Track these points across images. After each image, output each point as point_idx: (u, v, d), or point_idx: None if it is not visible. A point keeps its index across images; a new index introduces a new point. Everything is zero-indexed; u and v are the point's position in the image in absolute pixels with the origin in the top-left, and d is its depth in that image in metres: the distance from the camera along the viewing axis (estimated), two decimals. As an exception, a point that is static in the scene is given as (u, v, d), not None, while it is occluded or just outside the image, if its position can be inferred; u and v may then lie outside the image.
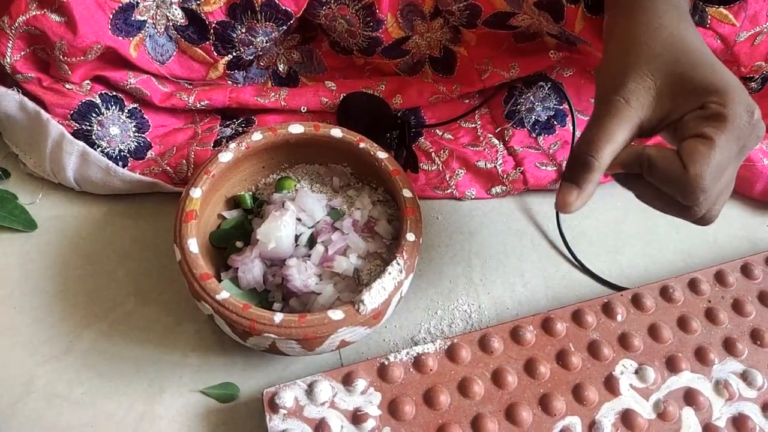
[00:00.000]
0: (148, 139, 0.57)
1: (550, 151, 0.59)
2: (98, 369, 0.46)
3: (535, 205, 0.59)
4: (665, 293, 0.51)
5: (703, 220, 0.37)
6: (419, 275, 0.53)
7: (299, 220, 0.49)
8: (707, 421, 0.44)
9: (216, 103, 0.59)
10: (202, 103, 0.58)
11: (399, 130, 0.59)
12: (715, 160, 0.33)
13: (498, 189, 0.58)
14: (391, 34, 0.59)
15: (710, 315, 0.50)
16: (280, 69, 0.63)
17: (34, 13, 0.49)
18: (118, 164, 0.54)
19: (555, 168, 0.58)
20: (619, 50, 0.40)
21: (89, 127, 0.54)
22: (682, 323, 0.49)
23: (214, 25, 0.55)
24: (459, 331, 0.50)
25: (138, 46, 0.54)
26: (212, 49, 0.57)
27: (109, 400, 0.45)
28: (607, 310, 0.49)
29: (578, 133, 0.60)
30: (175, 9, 0.54)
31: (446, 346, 0.46)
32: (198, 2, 0.54)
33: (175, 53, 0.57)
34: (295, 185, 0.53)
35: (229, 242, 0.50)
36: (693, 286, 0.51)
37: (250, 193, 0.53)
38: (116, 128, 0.55)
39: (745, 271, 0.53)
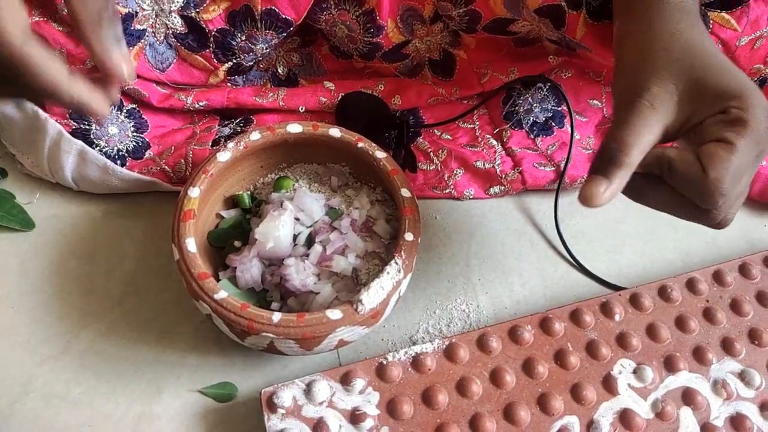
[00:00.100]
0: (147, 139, 0.57)
1: (548, 152, 0.59)
2: (96, 369, 0.46)
3: (534, 205, 0.59)
4: (663, 293, 0.51)
5: (719, 224, 0.37)
6: (418, 275, 0.53)
7: (297, 219, 0.49)
8: (705, 421, 0.44)
9: (214, 104, 0.59)
10: (201, 104, 0.58)
11: (397, 129, 0.59)
12: (734, 164, 0.33)
13: (496, 189, 0.58)
14: (391, 39, 0.59)
15: (708, 315, 0.50)
16: (280, 71, 0.63)
17: (36, 19, 0.50)
18: (116, 163, 0.54)
19: (553, 168, 0.58)
20: (638, 56, 0.40)
21: (87, 126, 0.54)
22: (680, 323, 0.49)
23: (213, 33, 0.55)
24: (457, 331, 0.50)
25: (138, 56, 0.54)
26: (212, 56, 0.56)
27: (107, 400, 0.45)
28: (606, 309, 0.49)
29: (576, 134, 0.60)
30: (175, 17, 0.54)
31: (444, 346, 0.46)
32: (197, 10, 0.54)
33: (175, 61, 0.57)
34: (294, 185, 0.53)
35: (228, 242, 0.49)
36: (691, 285, 0.52)
37: (249, 192, 0.53)
38: (115, 128, 0.55)
39: (743, 270, 0.53)
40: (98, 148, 0.54)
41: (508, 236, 0.57)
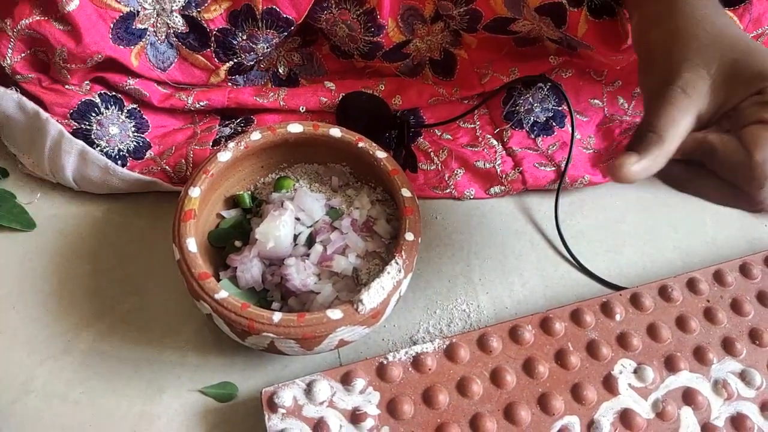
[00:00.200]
0: (147, 140, 0.57)
1: (549, 152, 0.59)
2: (97, 368, 0.46)
3: (534, 205, 0.59)
4: (664, 293, 0.51)
5: (763, 208, 0.37)
6: (418, 275, 0.53)
7: (298, 219, 0.49)
8: (706, 421, 0.44)
9: (215, 104, 0.59)
10: (201, 104, 0.58)
11: (398, 129, 0.59)
12: None
13: (497, 189, 0.58)
14: (391, 38, 0.59)
15: (709, 315, 0.50)
16: (280, 71, 0.63)
17: (37, 18, 0.49)
18: (117, 163, 0.54)
19: (554, 168, 0.58)
20: (665, 45, 0.39)
21: (88, 127, 0.54)
22: (681, 323, 0.49)
23: (214, 32, 0.55)
24: (458, 331, 0.50)
25: (139, 55, 0.54)
26: (213, 56, 0.56)
27: (108, 400, 0.45)
28: (606, 309, 0.49)
29: (577, 134, 0.60)
30: (176, 16, 0.54)
31: (445, 346, 0.46)
32: (198, 9, 0.54)
33: (176, 60, 0.57)
34: (294, 185, 0.53)
35: (228, 241, 0.50)
36: (692, 285, 0.51)
37: (249, 192, 0.53)
38: (115, 128, 0.55)
39: (744, 270, 0.53)
40: (99, 148, 0.54)
41: (509, 236, 0.57)
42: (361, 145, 0.50)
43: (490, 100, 0.63)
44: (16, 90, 0.53)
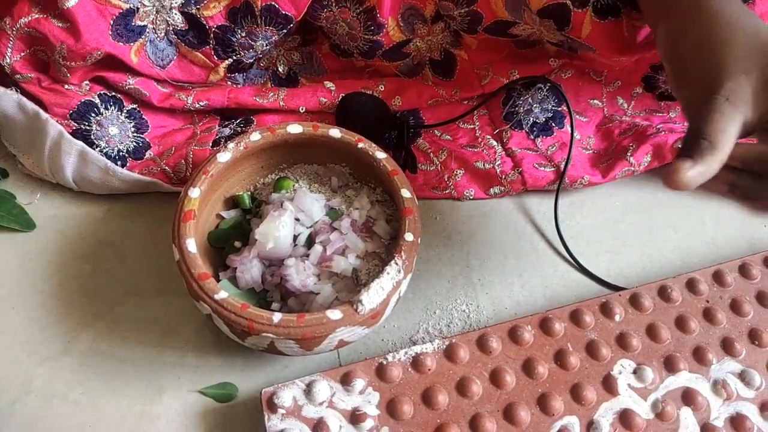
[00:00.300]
0: (147, 140, 0.57)
1: (548, 152, 0.59)
2: (97, 369, 0.46)
3: (534, 205, 0.59)
4: (663, 293, 0.51)
5: None
6: (418, 275, 0.53)
7: (298, 220, 0.49)
8: (705, 421, 0.44)
9: (215, 104, 0.59)
10: (201, 104, 0.58)
11: (398, 130, 0.59)
12: None
13: (496, 189, 0.58)
14: (392, 37, 0.59)
15: (708, 315, 0.50)
16: (280, 70, 0.63)
17: (36, 16, 0.49)
18: (116, 164, 0.54)
19: (553, 169, 0.58)
20: (700, 54, 0.39)
21: (88, 127, 0.54)
22: (680, 323, 0.49)
23: (214, 29, 0.55)
24: (457, 331, 0.50)
25: (138, 52, 0.54)
26: (212, 53, 0.57)
27: (108, 400, 0.45)
28: (606, 310, 0.49)
29: (577, 134, 0.60)
30: (175, 13, 0.54)
31: (444, 346, 0.46)
32: (198, 6, 0.54)
33: (175, 58, 0.57)
34: (294, 185, 0.53)
35: (228, 242, 0.50)
36: (691, 286, 0.52)
37: (249, 193, 0.53)
38: (115, 128, 0.56)
39: (743, 271, 0.53)
40: (99, 148, 0.54)
41: (508, 237, 0.57)
42: (360, 145, 0.50)
43: (489, 100, 0.63)
44: (16, 90, 0.53)
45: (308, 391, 0.43)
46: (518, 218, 0.58)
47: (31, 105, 0.52)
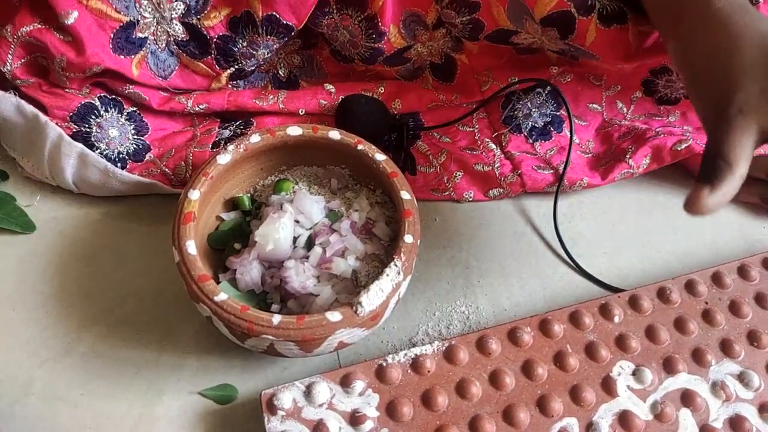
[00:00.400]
0: (147, 142, 0.57)
1: (547, 156, 0.59)
2: (97, 371, 0.46)
3: (533, 207, 0.59)
4: (662, 295, 0.51)
5: None
6: (417, 277, 0.53)
7: (297, 221, 0.49)
8: (704, 423, 0.44)
9: (214, 107, 0.59)
10: (201, 107, 0.58)
11: (397, 132, 0.60)
12: None
13: (496, 191, 0.58)
14: (393, 44, 0.59)
15: (707, 316, 0.50)
16: (281, 73, 0.64)
17: (37, 26, 0.50)
18: (116, 166, 0.54)
19: (552, 171, 0.58)
20: (709, 66, 0.39)
21: (88, 129, 0.54)
22: (679, 324, 0.49)
23: (215, 39, 0.55)
24: (457, 333, 0.50)
25: (140, 64, 0.54)
26: (214, 63, 0.57)
27: (108, 402, 0.45)
28: (605, 311, 0.49)
29: (576, 138, 0.60)
30: (176, 24, 0.54)
31: (444, 348, 0.46)
32: (198, 17, 0.54)
33: (177, 68, 0.57)
34: (293, 187, 0.53)
35: (228, 244, 0.50)
36: (690, 287, 0.52)
37: (249, 195, 0.53)
38: (115, 130, 0.56)
39: (742, 272, 0.53)
40: (99, 150, 0.54)
41: (508, 238, 0.57)
42: (360, 147, 0.50)
43: (488, 104, 0.63)
44: (15, 93, 0.53)
45: (308, 392, 0.43)
46: (517, 220, 0.58)
47: (30, 108, 0.52)
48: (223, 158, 0.48)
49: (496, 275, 0.54)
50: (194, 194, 0.45)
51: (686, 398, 0.45)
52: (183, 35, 0.55)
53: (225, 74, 0.58)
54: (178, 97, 0.58)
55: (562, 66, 0.62)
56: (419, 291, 0.53)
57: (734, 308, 0.51)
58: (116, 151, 0.55)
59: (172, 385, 0.46)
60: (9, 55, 0.51)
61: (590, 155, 0.61)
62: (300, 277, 0.45)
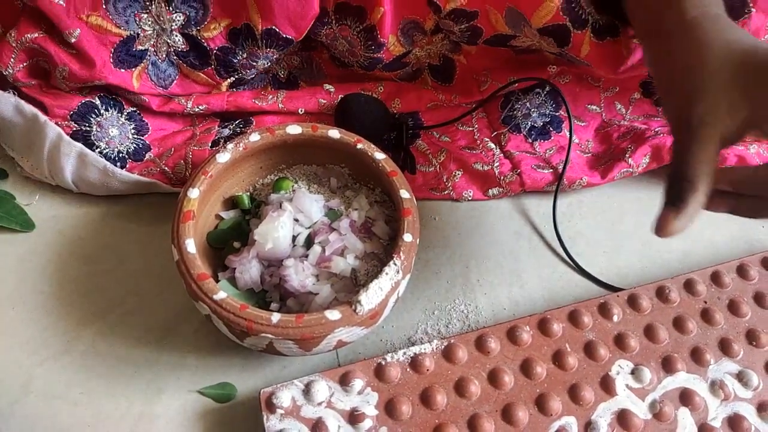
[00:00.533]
0: (147, 142, 0.57)
1: (546, 155, 0.59)
2: (96, 369, 0.46)
3: (533, 206, 0.59)
4: (661, 294, 0.51)
5: None
6: (416, 276, 0.53)
7: (297, 220, 0.49)
8: (703, 422, 0.44)
9: (214, 107, 0.59)
10: (200, 108, 0.58)
11: (396, 131, 0.60)
12: None
13: (495, 190, 0.58)
14: (392, 52, 0.59)
15: (706, 316, 0.50)
16: (280, 74, 0.64)
17: (42, 35, 0.50)
18: (116, 165, 0.54)
19: (551, 170, 0.58)
20: (676, 77, 0.39)
21: (88, 128, 0.54)
22: (678, 324, 0.49)
23: (215, 51, 0.55)
24: (456, 332, 0.50)
25: (140, 76, 0.55)
26: (215, 73, 0.57)
27: (108, 401, 0.45)
28: (604, 310, 0.49)
29: (575, 138, 0.60)
30: (176, 35, 0.54)
31: (443, 347, 0.46)
32: (198, 28, 0.54)
33: (177, 78, 0.57)
34: (293, 186, 0.53)
35: (227, 242, 0.50)
36: (689, 286, 0.52)
37: (248, 193, 0.53)
38: (115, 130, 0.56)
39: (741, 272, 0.53)
40: (99, 149, 0.54)
41: (507, 237, 0.57)
42: (359, 146, 0.50)
43: (487, 104, 0.63)
44: (14, 93, 0.53)
45: (307, 391, 0.43)
46: (517, 219, 0.59)
47: (29, 108, 0.52)
48: (223, 157, 0.48)
49: (495, 274, 0.54)
50: (194, 193, 0.46)
51: (685, 397, 0.45)
52: (183, 46, 0.55)
53: (225, 83, 0.58)
54: (178, 98, 0.58)
55: (560, 66, 0.62)
56: (418, 290, 0.53)
57: (733, 307, 0.51)
58: (116, 150, 0.55)
59: (171, 383, 0.46)
60: (11, 59, 0.51)
61: (589, 155, 0.61)
62: (299, 275, 0.46)
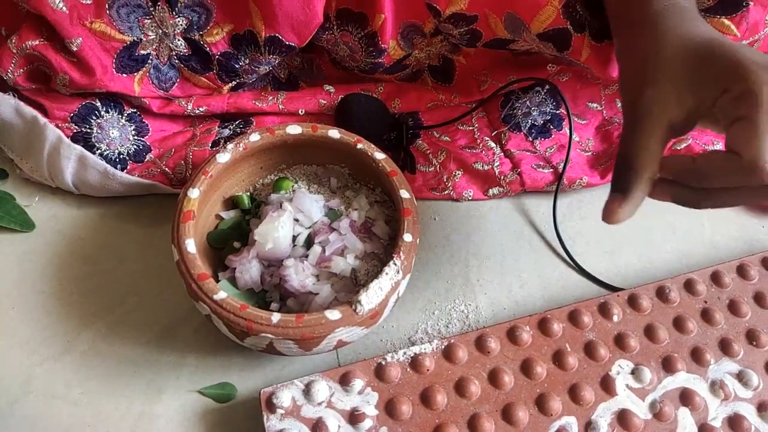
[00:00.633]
0: (148, 143, 0.57)
1: (547, 154, 0.59)
2: (96, 369, 0.46)
3: (533, 206, 0.59)
4: (661, 294, 0.51)
5: None
6: (416, 276, 0.53)
7: (297, 220, 0.49)
8: (703, 422, 0.44)
9: (214, 109, 0.59)
10: (201, 109, 0.58)
11: (396, 131, 0.60)
12: (763, 135, 0.33)
13: (495, 190, 0.58)
14: (392, 57, 0.59)
15: (706, 315, 0.50)
16: (281, 75, 0.64)
17: (43, 42, 0.50)
18: (117, 167, 0.54)
19: (551, 170, 0.58)
20: (633, 66, 0.40)
21: (89, 130, 0.54)
22: (678, 324, 0.49)
23: (217, 56, 0.55)
24: (456, 332, 0.50)
25: (142, 80, 0.55)
26: (216, 77, 0.57)
27: (107, 400, 0.45)
28: (604, 310, 0.49)
29: (575, 136, 0.60)
30: (178, 40, 0.54)
31: (443, 347, 0.46)
32: (201, 33, 0.54)
33: (178, 81, 0.57)
34: (293, 186, 0.53)
35: (227, 242, 0.50)
36: (689, 286, 0.52)
37: (248, 193, 0.53)
38: (116, 131, 0.56)
39: (741, 271, 0.53)
40: (99, 151, 0.54)
41: (507, 237, 0.57)
42: (359, 146, 0.50)
43: (488, 103, 0.63)
44: (14, 95, 0.53)
45: (307, 391, 0.43)
46: (517, 219, 0.59)
47: (29, 110, 0.52)
48: (223, 157, 0.48)
49: (495, 274, 0.54)
50: (194, 193, 0.46)
51: (685, 397, 0.45)
52: (185, 50, 0.55)
53: (226, 87, 0.58)
54: (178, 100, 0.58)
55: (559, 65, 0.62)
56: (418, 290, 0.53)
57: (733, 307, 0.51)
58: (117, 151, 0.55)
59: (171, 383, 0.46)
60: (12, 65, 0.51)
61: (590, 153, 0.61)
62: (299, 275, 0.46)
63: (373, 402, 0.43)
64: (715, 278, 0.53)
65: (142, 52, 0.53)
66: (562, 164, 0.58)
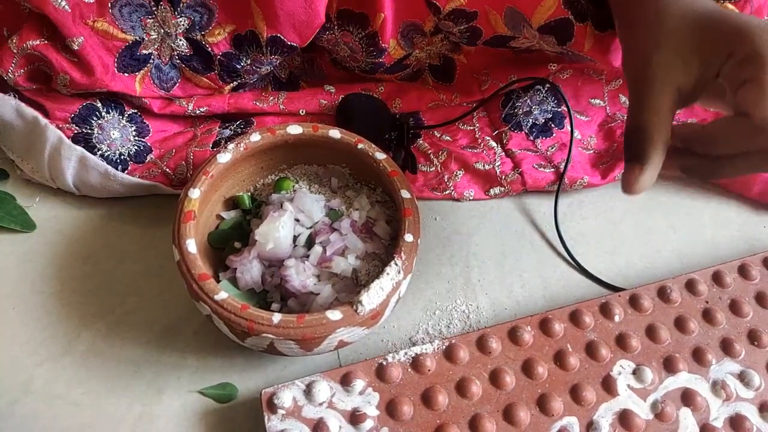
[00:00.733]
0: (149, 144, 0.57)
1: (548, 153, 0.59)
2: (97, 369, 0.46)
3: (534, 206, 0.59)
4: (663, 294, 0.51)
5: None
6: (417, 276, 0.53)
7: (297, 220, 0.49)
8: (705, 422, 0.44)
9: (215, 109, 0.59)
10: (201, 110, 0.58)
11: (397, 131, 0.59)
12: None
13: (496, 190, 0.58)
14: (393, 56, 0.59)
15: (708, 316, 0.50)
16: (281, 75, 0.64)
17: (44, 42, 0.50)
18: (118, 168, 0.54)
19: (553, 170, 0.58)
20: (637, 41, 0.41)
21: (89, 131, 0.54)
22: (680, 324, 0.49)
23: (219, 56, 0.55)
24: (457, 332, 0.50)
25: (143, 80, 0.54)
26: (218, 78, 0.57)
27: (108, 401, 0.45)
28: (605, 310, 0.49)
29: (578, 134, 0.60)
30: (180, 40, 0.54)
31: (444, 347, 0.46)
32: (203, 33, 0.54)
33: (179, 81, 0.57)
34: (294, 186, 0.53)
35: (228, 243, 0.50)
36: (690, 286, 0.52)
37: (249, 193, 0.53)
38: (117, 132, 0.56)
39: (743, 272, 0.53)
40: (100, 152, 0.54)
41: (508, 237, 0.57)
42: (360, 146, 0.50)
43: (488, 102, 0.63)
44: (14, 96, 0.53)
45: (308, 391, 0.43)
46: (518, 219, 0.58)
47: (29, 111, 0.52)
48: (224, 157, 0.48)
49: (496, 274, 0.54)
50: (194, 193, 0.45)
51: (687, 397, 0.45)
52: (187, 50, 0.54)
53: (227, 87, 0.58)
54: (179, 100, 0.58)
55: (560, 63, 0.62)
56: (419, 290, 0.53)
57: (735, 307, 0.51)
58: (117, 152, 0.55)
59: (172, 383, 0.46)
60: (12, 65, 0.51)
61: (592, 152, 0.61)
62: (300, 275, 0.45)
63: (374, 402, 0.43)
64: (717, 278, 0.52)
65: (144, 51, 0.53)
66: (564, 163, 0.58)
